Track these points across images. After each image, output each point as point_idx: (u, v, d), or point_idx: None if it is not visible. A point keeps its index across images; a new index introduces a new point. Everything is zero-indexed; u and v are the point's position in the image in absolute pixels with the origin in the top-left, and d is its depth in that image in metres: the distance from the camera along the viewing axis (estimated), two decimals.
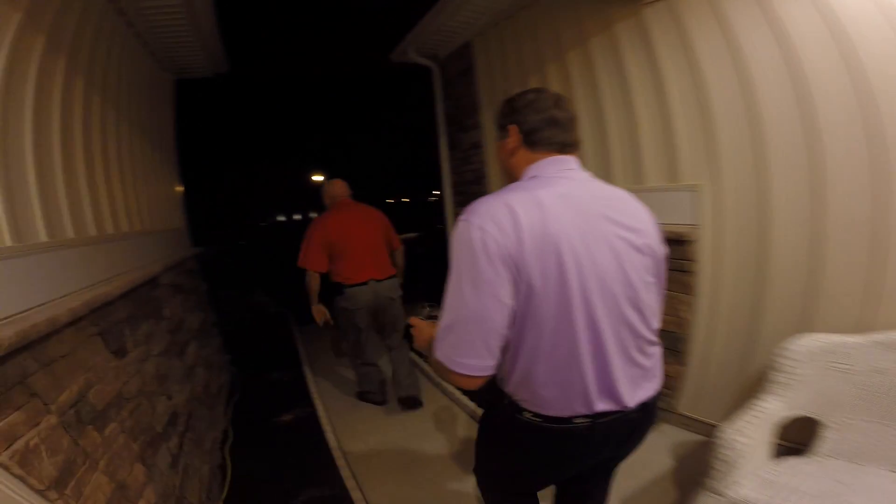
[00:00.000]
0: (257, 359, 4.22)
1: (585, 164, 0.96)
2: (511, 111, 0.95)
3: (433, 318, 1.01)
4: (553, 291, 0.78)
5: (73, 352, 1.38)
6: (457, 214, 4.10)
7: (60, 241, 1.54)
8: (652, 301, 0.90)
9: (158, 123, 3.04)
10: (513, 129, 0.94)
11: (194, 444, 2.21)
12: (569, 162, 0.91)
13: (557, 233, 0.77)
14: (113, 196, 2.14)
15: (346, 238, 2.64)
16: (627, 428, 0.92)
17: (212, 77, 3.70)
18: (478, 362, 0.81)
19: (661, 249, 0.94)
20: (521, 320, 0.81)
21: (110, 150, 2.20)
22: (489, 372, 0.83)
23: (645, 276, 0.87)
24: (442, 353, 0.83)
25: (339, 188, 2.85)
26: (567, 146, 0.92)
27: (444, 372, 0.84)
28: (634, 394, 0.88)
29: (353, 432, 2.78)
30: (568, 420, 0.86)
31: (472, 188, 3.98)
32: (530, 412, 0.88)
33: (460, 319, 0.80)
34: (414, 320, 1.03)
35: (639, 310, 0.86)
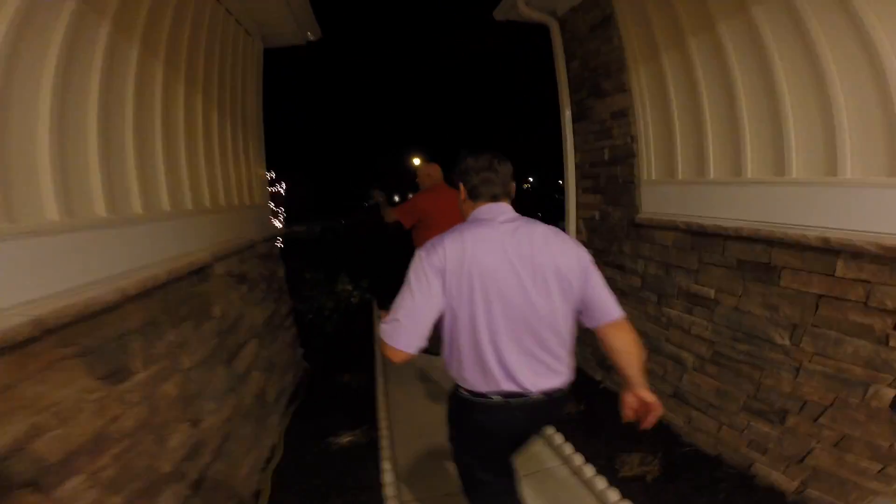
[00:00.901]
0: (332, 354, 3.92)
1: None
2: (459, 173, 1.32)
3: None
4: (465, 301, 1.16)
5: (13, 385, 0.96)
6: (583, 205, 3.20)
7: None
8: (560, 315, 1.20)
9: (233, 85, 2.75)
10: (462, 188, 1.32)
11: (225, 474, 1.83)
12: (498, 208, 1.26)
13: (470, 260, 1.14)
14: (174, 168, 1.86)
15: (438, 211, 2.92)
16: (535, 408, 1.24)
17: (303, 45, 3.37)
18: (407, 342, 1.15)
19: (573, 275, 1.19)
20: (449, 321, 1.20)
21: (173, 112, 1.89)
22: (412, 351, 1.16)
23: (549, 296, 1.17)
24: (385, 333, 1.18)
25: (436, 171, 3.25)
26: (497, 196, 1.28)
27: (384, 347, 1.19)
28: (536, 382, 1.21)
29: (419, 472, 2.24)
30: (486, 396, 1.22)
31: (610, 170, 2.98)
32: (464, 389, 1.26)
33: (403, 310, 1.16)
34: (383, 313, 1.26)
35: (541, 321, 1.18)
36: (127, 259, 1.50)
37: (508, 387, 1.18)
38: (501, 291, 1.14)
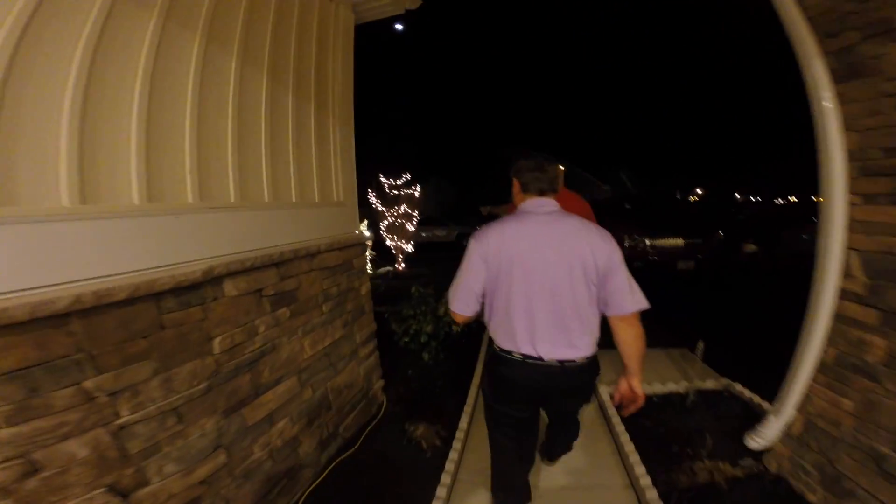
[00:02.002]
0: (420, 391, 3.18)
1: None
2: (514, 171, 1.55)
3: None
4: (502, 279, 1.40)
5: None
6: (865, 227, 1.70)
7: None
8: (579, 298, 1.37)
9: (316, 60, 2.22)
10: (516, 183, 1.55)
11: None
12: (542, 201, 1.47)
13: (508, 246, 1.39)
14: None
15: None
16: (548, 373, 1.43)
17: (402, 14, 2.70)
18: (463, 307, 1.49)
19: (596, 266, 1.36)
20: (490, 293, 1.46)
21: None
22: (466, 314, 1.51)
23: (572, 280, 1.36)
24: (448, 298, 1.55)
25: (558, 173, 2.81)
26: (544, 191, 1.48)
27: (450, 311, 1.55)
28: (552, 350, 1.40)
29: None
30: (510, 353, 1.45)
31: None
32: (496, 345, 1.51)
33: (458, 283, 1.49)
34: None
35: (564, 301, 1.37)
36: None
37: (527, 350, 1.41)
38: (531, 273, 1.37)
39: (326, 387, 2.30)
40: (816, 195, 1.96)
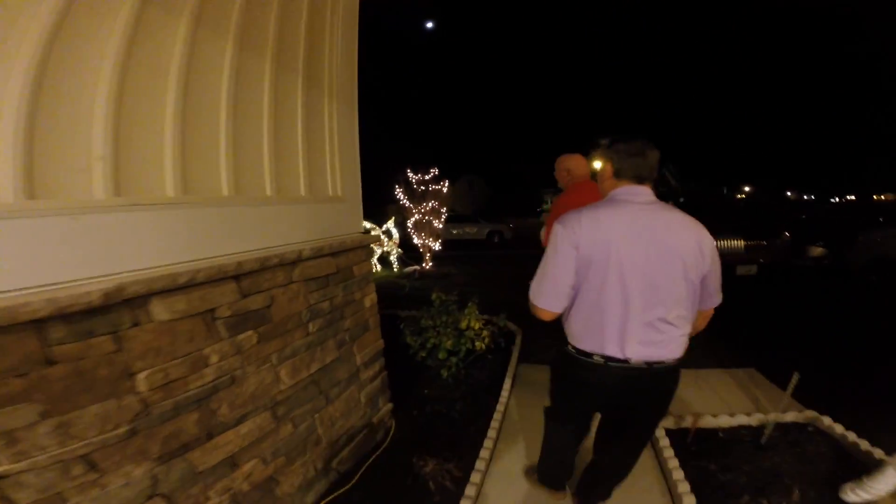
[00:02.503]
0: (437, 415, 2.73)
1: None
2: (608, 154, 1.38)
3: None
4: (596, 272, 1.24)
5: None
6: None
7: None
8: (679, 294, 1.25)
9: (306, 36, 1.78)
10: (607, 166, 1.38)
11: None
12: (640, 190, 1.32)
13: (605, 237, 1.23)
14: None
15: None
16: (632, 376, 1.29)
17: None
18: (552, 302, 1.31)
19: (697, 262, 1.26)
20: (579, 286, 1.29)
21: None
22: (556, 310, 1.33)
23: (674, 275, 1.24)
24: (532, 294, 1.35)
25: (579, 165, 2.59)
26: (641, 179, 1.33)
27: (531, 306, 1.36)
28: (640, 351, 1.26)
29: None
30: (590, 355, 1.31)
31: None
32: (572, 346, 1.36)
33: (544, 276, 1.32)
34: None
35: (662, 296, 1.24)
36: None
37: (612, 351, 1.27)
38: (630, 266, 1.22)
39: (314, 419, 1.89)
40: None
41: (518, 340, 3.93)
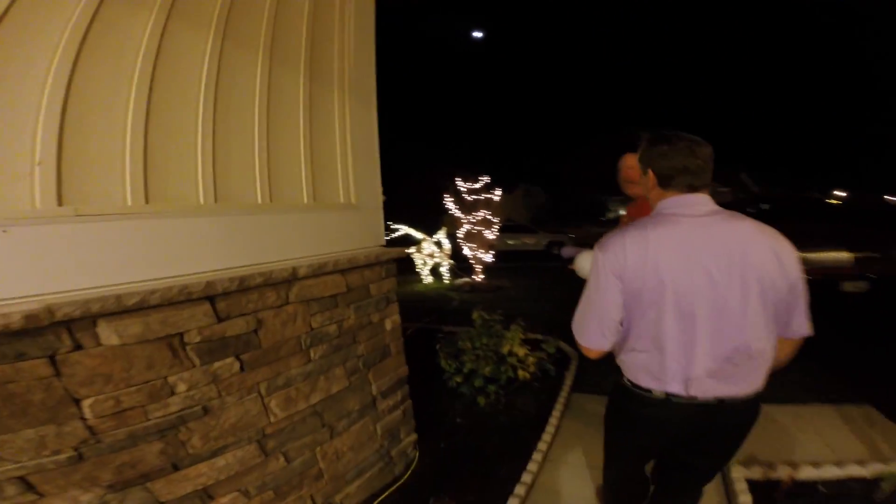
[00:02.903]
0: (468, 449, 2.40)
1: None
2: (648, 158, 1.15)
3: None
4: (650, 300, 1.04)
5: None
6: None
7: None
8: (755, 319, 1.03)
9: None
10: (650, 174, 1.15)
11: None
12: (695, 199, 1.09)
13: (655, 261, 1.02)
14: None
15: None
16: (700, 415, 1.09)
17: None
18: (597, 339, 1.13)
19: (778, 282, 1.04)
20: (627, 316, 1.10)
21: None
22: (603, 348, 1.14)
23: (748, 298, 1.02)
24: (575, 329, 1.18)
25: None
26: (695, 187, 1.09)
27: (577, 343, 1.18)
28: (709, 388, 1.06)
29: None
30: (649, 391, 1.12)
31: None
32: (629, 380, 1.17)
33: (587, 309, 1.14)
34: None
35: (734, 326, 1.03)
36: None
37: (675, 389, 1.08)
38: (691, 292, 1.03)
39: (314, 452, 1.67)
40: None
41: (573, 366, 3.46)
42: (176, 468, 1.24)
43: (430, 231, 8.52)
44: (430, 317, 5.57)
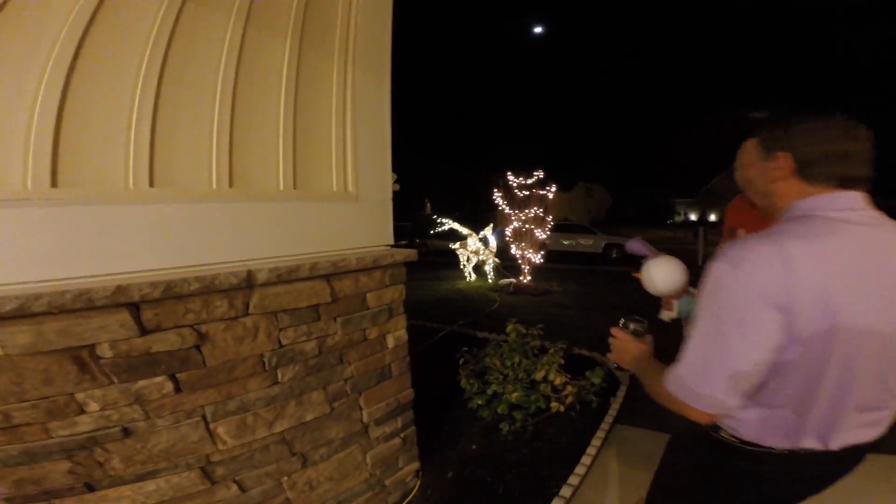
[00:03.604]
0: (482, 482, 2.06)
1: None
2: (785, 135, 0.82)
3: (637, 333, 1.03)
4: (813, 344, 0.72)
5: None
6: None
7: None
8: None
9: None
10: (783, 157, 0.82)
11: None
12: (853, 200, 0.78)
13: (825, 285, 0.70)
14: None
15: None
16: (822, 467, 0.87)
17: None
18: (718, 401, 0.75)
19: None
20: (770, 368, 0.76)
21: None
22: (727, 412, 0.78)
23: None
24: (680, 388, 0.79)
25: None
26: (851, 181, 0.78)
27: (672, 400, 0.80)
28: (844, 436, 0.81)
29: None
30: (770, 448, 0.83)
31: None
32: (727, 432, 0.87)
33: (710, 358, 0.75)
34: (616, 331, 1.04)
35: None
36: None
37: (810, 445, 0.81)
38: (864, 333, 0.72)
39: (280, 482, 1.41)
40: None
41: (621, 394, 2.94)
42: (91, 489, 1.04)
43: (478, 227, 8.15)
44: (466, 318, 5.25)
